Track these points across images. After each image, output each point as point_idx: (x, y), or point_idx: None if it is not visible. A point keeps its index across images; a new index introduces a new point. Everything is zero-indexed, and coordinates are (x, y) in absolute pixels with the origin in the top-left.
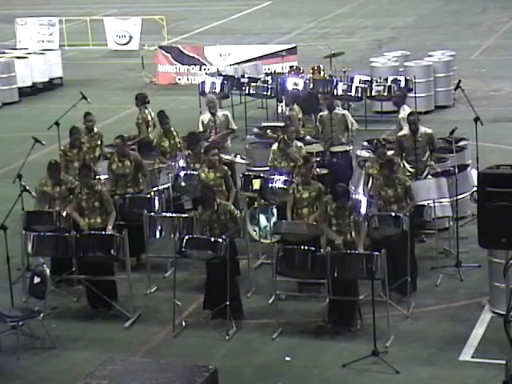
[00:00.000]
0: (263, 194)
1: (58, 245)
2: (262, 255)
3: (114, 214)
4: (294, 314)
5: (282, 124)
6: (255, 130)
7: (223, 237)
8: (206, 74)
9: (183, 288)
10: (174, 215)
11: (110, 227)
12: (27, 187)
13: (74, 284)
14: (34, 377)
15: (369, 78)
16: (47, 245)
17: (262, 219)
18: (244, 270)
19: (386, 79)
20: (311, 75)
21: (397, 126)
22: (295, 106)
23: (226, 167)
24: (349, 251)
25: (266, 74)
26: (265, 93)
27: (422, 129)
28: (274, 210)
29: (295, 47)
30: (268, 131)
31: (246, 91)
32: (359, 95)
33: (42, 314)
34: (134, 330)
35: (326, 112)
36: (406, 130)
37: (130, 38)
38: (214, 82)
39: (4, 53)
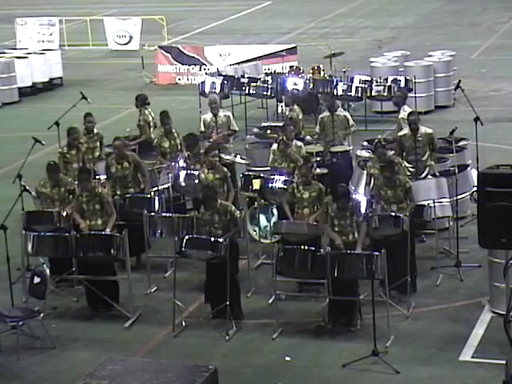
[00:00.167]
0: (263, 194)
1: (57, 245)
2: (261, 255)
3: (115, 216)
4: (294, 314)
5: (282, 124)
6: (255, 129)
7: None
8: (205, 73)
9: (183, 288)
10: (173, 215)
11: (108, 230)
12: (27, 187)
13: (73, 284)
14: (33, 377)
15: (369, 78)
16: (47, 245)
17: (262, 219)
18: (244, 269)
19: (386, 79)
20: (311, 75)
21: (397, 126)
22: (295, 107)
23: (225, 169)
24: (349, 251)
25: (266, 74)
26: (265, 93)
27: (423, 129)
28: (274, 210)
29: (295, 47)
30: (268, 131)
31: (246, 91)
32: (359, 95)
33: (41, 314)
34: (134, 330)
35: (327, 113)
36: (406, 130)
37: (131, 37)
38: (213, 82)
39: (4, 53)
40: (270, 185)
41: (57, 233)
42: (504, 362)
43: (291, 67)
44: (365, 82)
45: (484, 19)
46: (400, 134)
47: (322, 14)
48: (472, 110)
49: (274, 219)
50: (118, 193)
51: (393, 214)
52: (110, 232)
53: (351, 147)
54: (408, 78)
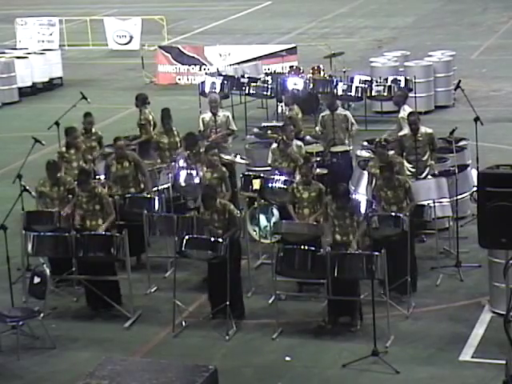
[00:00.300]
0: (263, 194)
1: (57, 245)
2: (261, 255)
3: (113, 216)
4: (294, 314)
5: (282, 124)
6: (255, 129)
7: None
8: (205, 73)
9: (183, 288)
10: (173, 215)
11: (102, 227)
12: (27, 187)
13: (73, 284)
14: (33, 377)
15: (369, 78)
16: (47, 245)
17: (262, 219)
18: (244, 269)
19: (386, 79)
20: (311, 75)
21: (397, 126)
22: (295, 107)
23: (224, 168)
24: (349, 251)
25: (266, 74)
26: (265, 93)
27: (423, 128)
28: (274, 210)
29: (295, 47)
30: (268, 132)
31: (246, 91)
32: (359, 95)
33: (41, 314)
34: (134, 330)
35: (327, 112)
36: (406, 130)
37: (131, 37)
38: (214, 82)
39: (4, 53)
40: (270, 185)
41: (57, 233)
42: (504, 362)
43: (291, 67)
44: (365, 81)
45: (484, 19)
46: (400, 133)
47: (322, 14)
48: (472, 109)
49: (274, 219)
50: (119, 193)
51: (393, 214)
52: (104, 230)
53: (351, 147)
54: (408, 77)
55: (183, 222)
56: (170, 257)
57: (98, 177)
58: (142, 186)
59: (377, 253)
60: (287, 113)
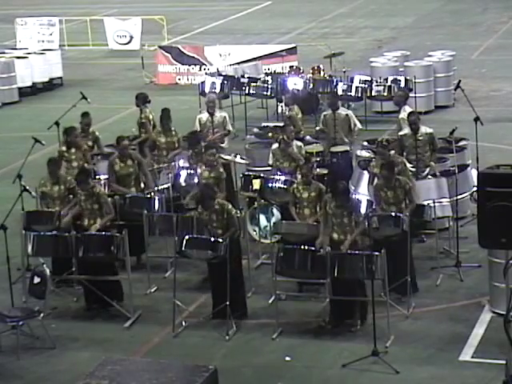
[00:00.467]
0: (263, 194)
1: (57, 245)
2: (261, 255)
3: (112, 215)
4: (294, 314)
5: (282, 124)
6: (255, 129)
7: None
8: (206, 73)
9: (183, 288)
10: (173, 215)
11: (96, 225)
12: (27, 187)
13: (74, 284)
14: (33, 377)
15: (369, 78)
16: (47, 245)
17: (262, 219)
18: (244, 269)
19: (386, 79)
20: (311, 75)
21: (397, 126)
22: (295, 107)
23: (221, 169)
24: (349, 251)
25: (266, 74)
26: (265, 93)
27: (423, 128)
28: (274, 210)
29: (295, 47)
30: (269, 134)
31: (246, 91)
32: (359, 95)
33: (41, 314)
34: (134, 330)
35: (329, 112)
36: (406, 130)
37: (131, 37)
38: (214, 82)
39: (4, 53)
40: (270, 185)
41: (57, 233)
42: (504, 362)
43: (291, 67)
44: (365, 81)
45: (484, 19)
46: (401, 133)
47: (322, 14)
48: (472, 109)
49: (274, 219)
50: (128, 190)
51: (393, 214)
52: (98, 229)
53: (352, 147)
54: (408, 77)
55: (183, 222)
56: (170, 257)
57: (97, 177)
58: (143, 185)
59: (377, 253)
60: (287, 113)
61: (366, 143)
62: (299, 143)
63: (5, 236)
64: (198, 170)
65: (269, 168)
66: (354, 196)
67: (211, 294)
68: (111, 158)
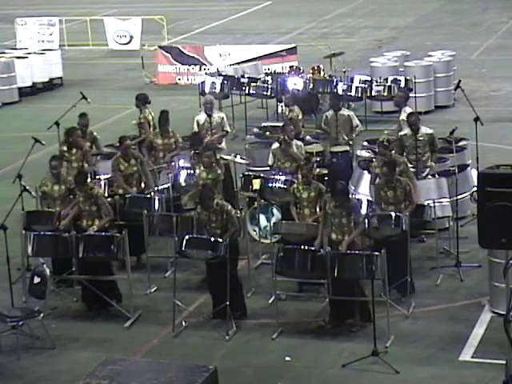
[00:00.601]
0: (263, 194)
1: (58, 245)
2: (261, 255)
3: (109, 217)
4: (294, 314)
5: (282, 124)
6: (255, 129)
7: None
8: (205, 73)
9: (183, 288)
10: (173, 215)
11: (94, 226)
12: (27, 187)
13: (74, 284)
14: (33, 377)
15: (369, 78)
16: (47, 245)
17: (262, 219)
18: (244, 269)
19: (386, 79)
20: (311, 75)
21: (397, 127)
22: (295, 107)
23: (219, 171)
24: (349, 251)
25: (266, 74)
26: (265, 93)
27: (423, 128)
28: (274, 210)
29: (295, 47)
30: (267, 133)
31: (246, 91)
32: (359, 95)
33: (41, 314)
34: (134, 329)
35: (331, 112)
36: (407, 130)
37: (131, 37)
38: (214, 82)
39: (4, 53)
40: (270, 185)
41: (57, 233)
42: (504, 361)
43: (291, 67)
44: (365, 81)
45: (484, 19)
46: (401, 133)
47: (322, 14)
48: (472, 109)
49: (274, 219)
50: (120, 192)
51: (393, 214)
52: (94, 229)
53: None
54: (408, 77)
55: (183, 222)
56: (170, 257)
57: (97, 177)
58: (143, 185)
59: (377, 253)
60: (287, 113)
61: (366, 143)
62: (299, 143)
63: (5, 236)
64: (197, 171)
65: (268, 168)
66: (353, 196)
67: (211, 295)
68: (115, 158)
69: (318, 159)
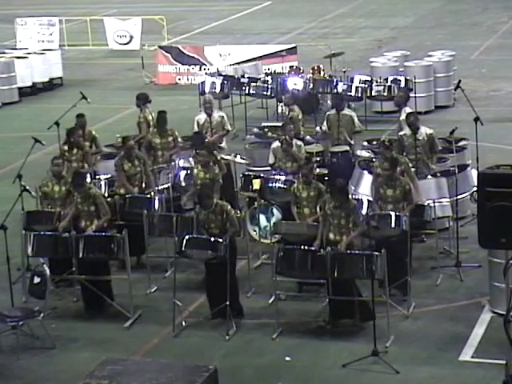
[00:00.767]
0: (263, 194)
1: (57, 245)
2: (261, 255)
3: (108, 217)
4: (294, 314)
5: (281, 124)
6: (255, 129)
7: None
8: (205, 73)
9: (183, 288)
10: (173, 215)
11: (92, 226)
12: (27, 187)
13: (74, 284)
14: (33, 377)
15: (369, 78)
16: (47, 245)
17: (262, 219)
18: (244, 269)
19: (386, 79)
20: (311, 75)
21: (397, 127)
22: (295, 107)
23: (217, 171)
24: (349, 251)
25: (266, 74)
26: (265, 93)
27: (423, 129)
28: (274, 210)
29: (295, 47)
30: (268, 133)
31: (246, 91)
32: (359, 95)
33: (41, 314)
34: (134, 330)
35: (333, 112)
36: (406, 130)
37: (131, 37)
38: (214, 82)
39: (4, 53)
40: (270, 185)
41: (57, 233)
42: (504, 361)
43: (291, 67)
44: (365, 81)
45: (484, 19)
46: (400, 133)
47: (322, 14)
48: (472, 109)
49: (274, 219)
50: (121, 192)
51: (393, 213)
52: (92, 229)
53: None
54: (408, 77)
55: (183, 222)
56: (170, 257)
57: (97, 177)
58: (144, 185)
59: (377, 253)
60: (287, 113)
61: (366, 143)
62: (299, 142)
63: (5, 236)
64: (194, 171)
65: (269, 168)
66: (353, 196)
67: (206, 295)
68: (119, 158)
69: (318, 159)
